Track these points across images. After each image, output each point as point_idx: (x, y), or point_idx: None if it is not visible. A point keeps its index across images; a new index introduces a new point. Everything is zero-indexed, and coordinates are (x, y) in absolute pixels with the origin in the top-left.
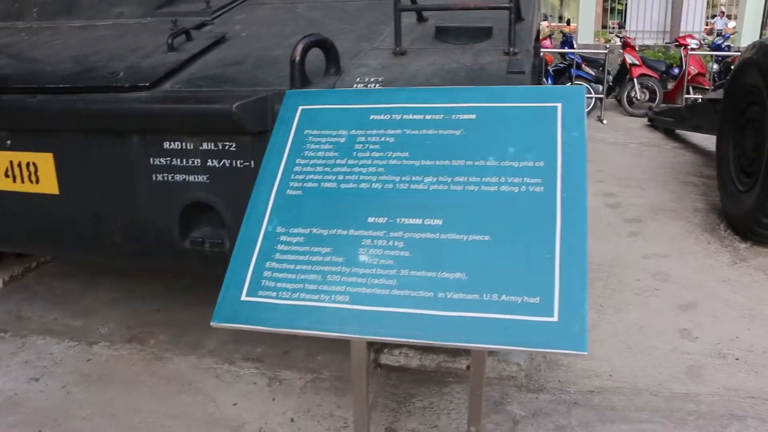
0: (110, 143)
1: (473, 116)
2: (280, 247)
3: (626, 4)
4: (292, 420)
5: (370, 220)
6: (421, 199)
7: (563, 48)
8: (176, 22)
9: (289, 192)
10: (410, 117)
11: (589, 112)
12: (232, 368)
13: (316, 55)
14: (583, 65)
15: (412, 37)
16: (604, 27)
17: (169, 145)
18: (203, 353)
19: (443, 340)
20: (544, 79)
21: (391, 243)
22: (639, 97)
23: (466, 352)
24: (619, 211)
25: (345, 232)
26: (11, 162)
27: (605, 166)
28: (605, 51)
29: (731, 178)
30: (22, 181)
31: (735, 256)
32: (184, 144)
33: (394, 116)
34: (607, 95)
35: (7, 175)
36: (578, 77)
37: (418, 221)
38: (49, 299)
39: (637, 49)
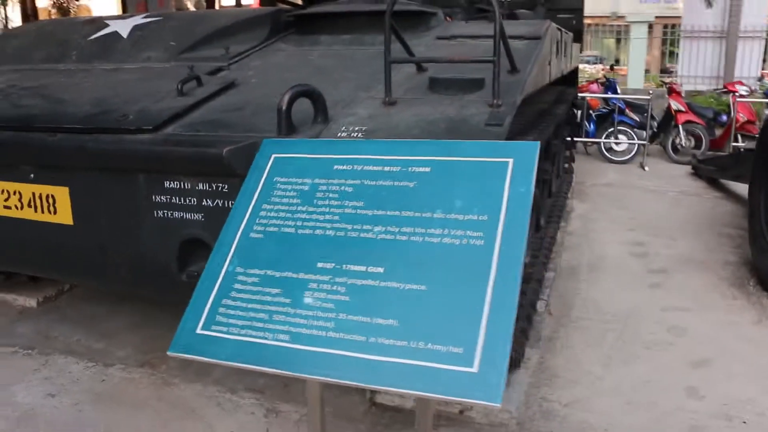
0: (118, 180)
1: (428, 169)
2: (236, 286)
3: (680, 49)
4: None
5: (319, 265)
6: (369, 248)
7: (606, 93)
8: (193, 67)
9: (251, 235)
10: (370, 168)
11: (631, 159)
12: (234, 398)
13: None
14: (627, 110)
15: (408, 87)
16: (663, 71)
17: (169, 184)
18: (208, 381)
19: (369, 383)
20: (586, 123)
21: (334, 288)
22: (684, 144)
23: None
24: (644, 261)
25: (295, 275)
26: (33, 194)
27: (639, 214)
28: (648, 97)
29: (762, 232)
30: (42, 212)
31: (762, 313)
32: (182, 184)
33: (355, 167)
34: (652, 141)
35: (29, 206)
36: (621, 122)
37: (362, 268)
38: (76, 321)
39: (683, 94)
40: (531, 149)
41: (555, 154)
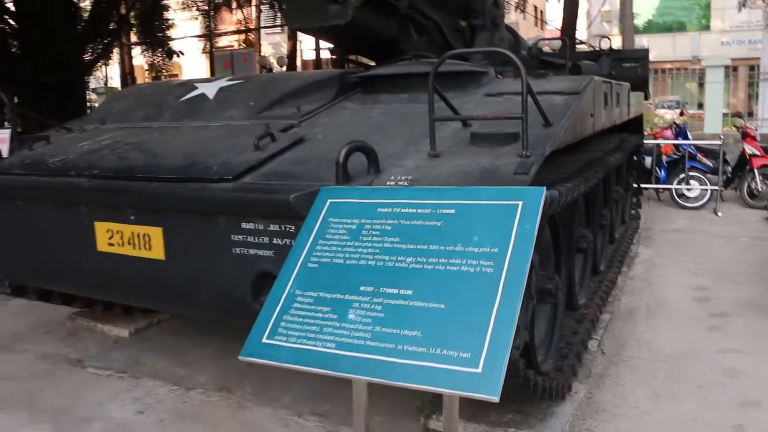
0: (203, 222)
1: (453, 211)
2: (295, 305)
3: (760, 91)
4: None
5: (362, 288)
6: (401, 275)
7: (677, 139)
8: (268, 125)
9: (309, 264)
10: (406, 210)
11: (704, 205)
12: (300, 420)
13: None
14: (699, 156)
15: (453, 141)
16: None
17: (245, 225)
18: (278, 406)
19: (395, 380)
20: (656, 169)
21: (372, 306)
22: (760, 189)
23: (507, 424)
24: (705, 306)
25: (342, 296)
26: (132, 233)
27: (706, 259)
28: (719, 142)
29: None
30: (140, 248)
31: None
32: (256, 225)
33: (394, 209)
34: (726, 187)
35: (129, 243)
36: (692, 168)
37: (395, 291)
38: (163, 350)
39: (758, 138)
40: (537, 193)
41: (617, 201)
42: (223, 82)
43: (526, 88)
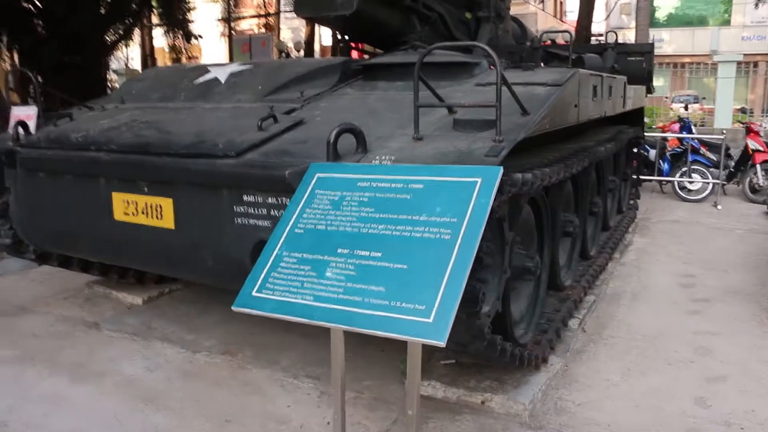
0: (209, 194)
1: (421, 186)
2: (282, 264)
3: None
4: (327, 423)
5: (339, 251)
6: (373, 239)
7: (681, 132)
8: (272, 108)
9: (296, 230)
10: (382, 185)
11: (705, 198)
12: (295, 381)
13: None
14: (703, 150)
15: (438, 126)
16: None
17: (246, 198)
18: (276, 368)
19: (362, 327)
20: (660, 162)
21: (346, 266)
22: (762, 184)
23: (484, 390)
24: (689, 291)
25: (321, 257)
26: (146, 203)
27: (698, 249)
28: (722, 137)
29: None
30: (152, 218)
31: None
32: (256, 198)
33: (372, 184)
34: (729, 180)
35: (143, 213)
36: (695, 162)
37: (366, 253)
38: (172, 317)
39: (762, 134)
40: (494, 172)
41: (611, 190)
42: (235, 67)
43: (500, 79)
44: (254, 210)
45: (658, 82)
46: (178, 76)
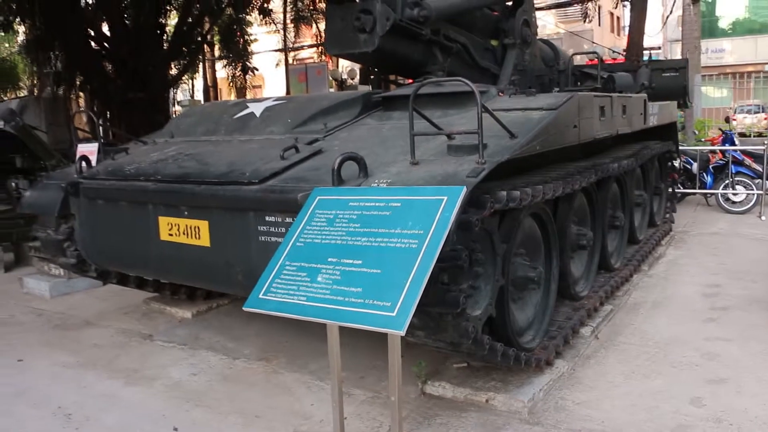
0: (237, 216)
1: (399, 204)
2: (284, 272)
3: None
4: (345, 418)
5: (329, 260)
6: (356, 250)
7: (724, 145)
8: (297, 139)
9: (297, 244)
10: (368, 204)
11: (750, 209)
12: (321, 384)
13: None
14: (747, 160)
15: (435, 151)
16: None
17: (268, 218)
18: (305, 372)
19: (342, 321)
20: (704, 175)
21: (334, 272)
22: None
23: (489, 389)
24: (710, 300)
25: (315, 266)
26: (186, 225)
27: (731, 260)
28: (764, 147)
29: None
30: (192, 237)
31: None
32: (276, 218)
33: (360, 203)
34: None
35: (184, 233)
36: (738, 173)
37: (350, 261)
38: (218, 329)
39: None
40: (457, 191)
41: (639, 204)
42: (269, 102)
43: (480, 109)
44: (275, 229)
45: (720, 92)
46: (220, 112)
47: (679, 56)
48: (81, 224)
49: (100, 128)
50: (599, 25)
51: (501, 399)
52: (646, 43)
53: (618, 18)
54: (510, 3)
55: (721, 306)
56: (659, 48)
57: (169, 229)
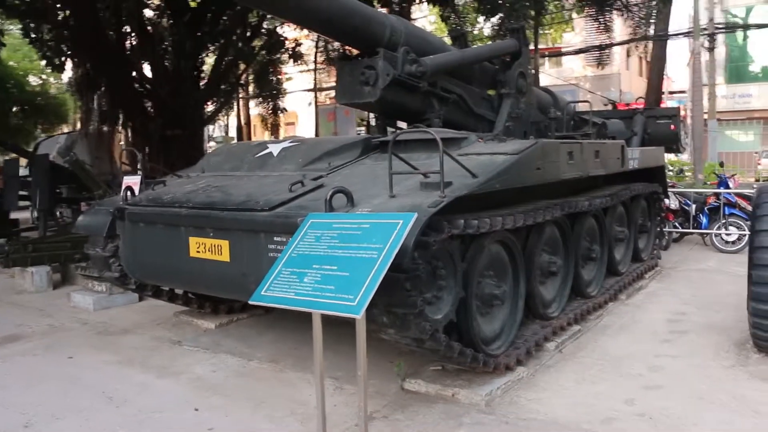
0: (252, 236)
1: (368, 225)
2: (281, 275)
3: None
4: (335, 405)
5: (313, 266)
6: (334, 259)
7: (719, 188)
8: (304, 175)
9: (292, 255)
10: (345, 226)
11: (742, 249)
12: None
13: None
14: (742, 203)
15: (411, 188)
16: None
17: (276, 238)
18: (308, 371)
19: (319, 309)
20: (700, 216)
21: (316, 275)
22: None
23: (456, 386)
24: (672, 325)
25: (302, 270)
26: (211, 244)
27: (706, 293)
28: (753, 190)
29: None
30: (215, 254)
31: (738, 362)
32: (282, 238)
33: (341, 225)
34: None
35: (209, 251)
36: (731, 215)
37: (328, 267)
38: (237, 337)
39: None
40: (409, 217)
41: (621, 240)
42: (286, 144)
43: (441, 154)
44: (281, 247)
45: (747, 137)
46: (244, 151)
47: (705, 100)
48: (124, 243)
49: (141, 163)
50: (627, 68)
51: (464, 393)
52: (674, 86)
53: (647, 62)
54: (507, 57)
55: (680, 330)
56: (684, 92)
57: (197, 248)
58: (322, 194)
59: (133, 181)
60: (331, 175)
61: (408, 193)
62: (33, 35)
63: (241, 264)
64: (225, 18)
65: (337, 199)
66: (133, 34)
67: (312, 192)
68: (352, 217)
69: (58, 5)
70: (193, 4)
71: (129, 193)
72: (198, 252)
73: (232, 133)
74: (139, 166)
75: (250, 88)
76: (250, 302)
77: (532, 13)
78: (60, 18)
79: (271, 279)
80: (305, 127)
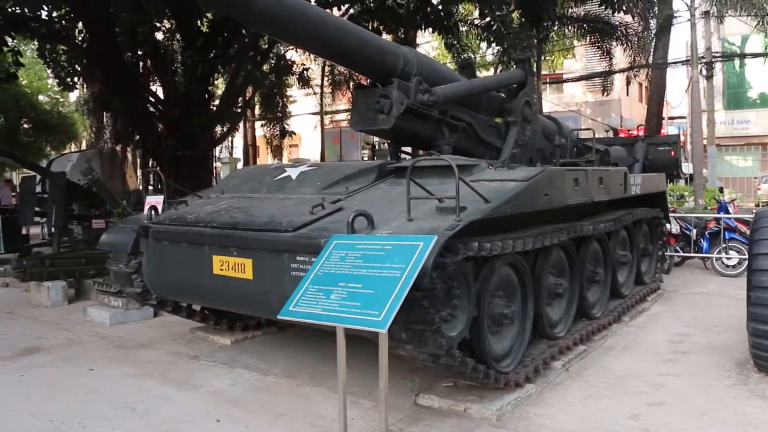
0: (275, 256)
1: (390, 247)
2: (308, 292)
3: None
4: (352, 419)
5: (339, 284)
6: (358, 277)
7: (719, 213)
8: (324, 198)
9: (318, 273)
10: (368, 247)
11: (742, 273)
12: (336, 395)
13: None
14: (742, 228)
15: (428, 212)
16: None
17: (299, 258)
18: (324, 387)
19: (346, 324)
20: (701, 240)
21: (342, 292)
22: None
23: (468, 401)
24: (674, 346)
25: (329, 288)
26: (235, 262)
27: (707, 315)
28: (752, 215)
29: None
30: (238, 272)
31: (739, 380)
32: (304, 257)
33: (364, 246)
34: None
35: (232, 269)
36: (731, 239)
37: (354, 284)
38: (252, 353)
39: None
40: (430, 239)
41: (624, 263)
42: (303, 168)
43: (457, 180)
44: (303, 266)
45: (746, 162)
46: (262, 174)
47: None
48: (148, 260)
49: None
50: (627, 95)
51: (476, 408)
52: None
53: (646, 88)
54: (513, 86)
55: (682, 350)
56: (683, 117)
57: (221, 265)
58: (342, 217)
59: (156, 200)
60: (348, 199)
61: (425, 216)
62: (48, 56)
63: (264, 282)
64: (236, 44)
65: (358, 222)
66: (146, 57)
67: (332, 214)
68: (374, 239)
69: (78, 28)
70: (204, 29)
71: (153, 211)
72: (221, 270)
73: (237, 154)
74: (159, 186)
75: (256, 110)
76: (279, 317)
77: (535, 41)
78: (77, 40)
79: (298, 296)
80: (309, 149)
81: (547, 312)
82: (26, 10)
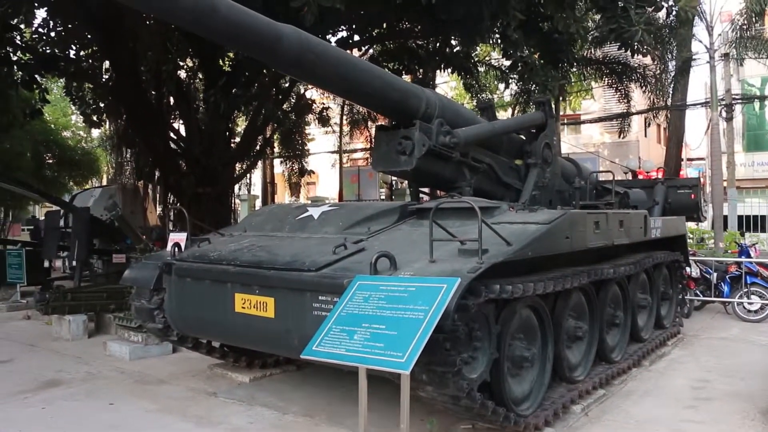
0: (297, 295)
1: (414, 288)
2: (332, 332)
3: None
4: None
5: (363, 324)
6: (382, 318)
7: (740, 257)
8: (346, 238)
9: (341, 313)
10: (392, 288)
11: (765, 318)
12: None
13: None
14: (764, 272)
15: (450, 253)
16: None
17: (321, 297)
18: (341, 425)
19: (369, 364)
20: (722, 284)
21: (365, 333)
22: None
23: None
24: (696, 392)
25: (352, 328)
26: (257, 301)
27: (729, 361)
28: None
29: None
30: (260, 310)
31: (765, 429)
32: (326, 297)
33: (387, 287)
34: None
35: (254, 307)
36: (753, 284)
37: (377, 326)
38: (270, 391)
39: None
40: (453, 281)
41: (644, 307)
42: (325, 208)
43: (480, 223)
44: (326, 306)
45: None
46: (284, 213)
47: (724, 168)
48: (170, 297)
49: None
50: (645, 136)
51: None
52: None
53: (665, 129)
54: (533, 130)
55: (704, 397)
56: (702, 159)
57: (243, 303)
58: (364, 257)
59: (179, 237)
60: (370, 239)
61: (447, 258)
62: (75, 94)
63: (286, 321)
64: (258, 83)
65: (381, 263)
66: (169, 95)
67: (354, 255)
68: (397, 281)
69: (104, 67)
70: (226, 68)
71: (176, 249)
72: (243, 308)
73: (256, 191)
74: (179, 223)
75: (276, 147)
76: (302, 357)
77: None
78: (104, 79)
79: (321, 335)
80: (326, 187)
81: (566, 355)
82: (56, 50)
